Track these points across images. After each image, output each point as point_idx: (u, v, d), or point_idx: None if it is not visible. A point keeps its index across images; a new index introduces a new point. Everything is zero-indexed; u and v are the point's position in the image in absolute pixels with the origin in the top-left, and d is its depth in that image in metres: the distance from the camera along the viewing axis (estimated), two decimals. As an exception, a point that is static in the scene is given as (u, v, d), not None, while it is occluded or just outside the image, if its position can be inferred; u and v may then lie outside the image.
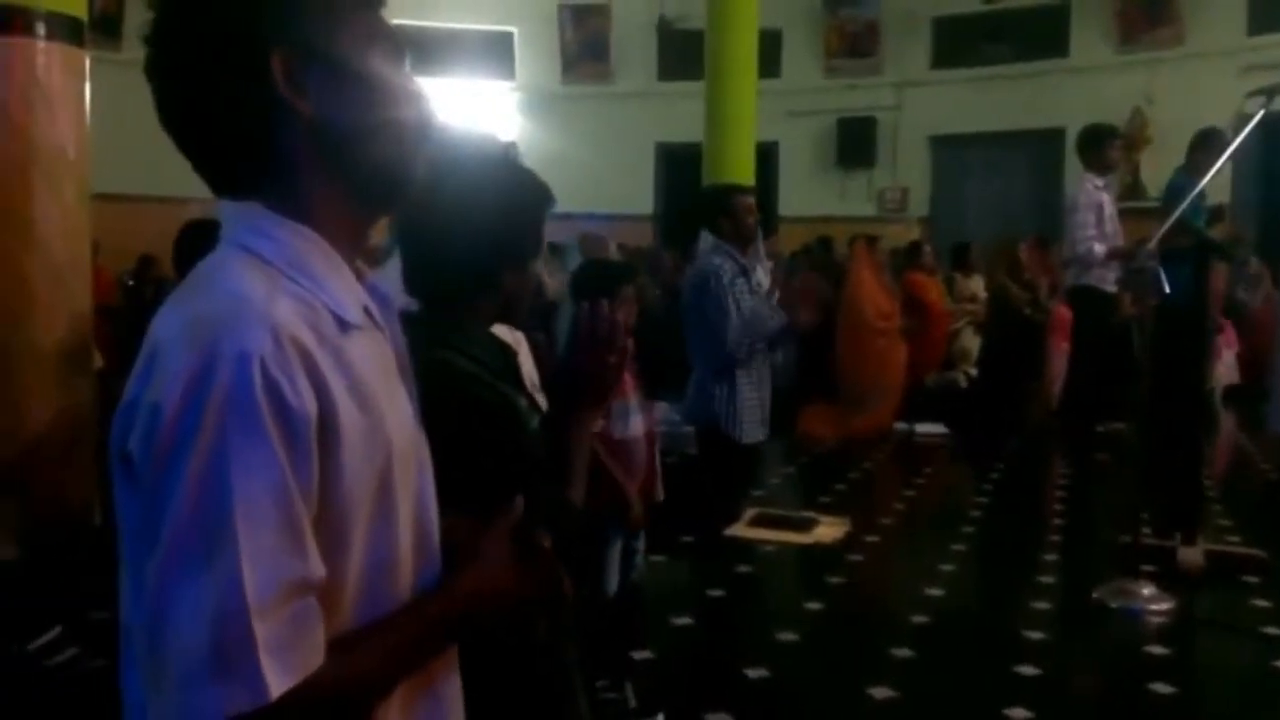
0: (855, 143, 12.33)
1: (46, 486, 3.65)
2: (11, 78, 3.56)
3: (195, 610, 0.84)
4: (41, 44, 3.63)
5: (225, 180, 1.01)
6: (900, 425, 8.21)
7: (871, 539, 5.31)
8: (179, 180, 1.11)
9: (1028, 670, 3.66)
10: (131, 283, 8.97)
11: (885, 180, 12.47)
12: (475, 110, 11.79)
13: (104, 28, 8.98)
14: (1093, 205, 5.71)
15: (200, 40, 0.96)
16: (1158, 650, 3.89)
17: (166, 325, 0.91)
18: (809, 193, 12.35)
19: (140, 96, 1.00)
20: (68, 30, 3.72)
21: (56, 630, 3.47)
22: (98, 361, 4.26)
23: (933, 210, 12.40)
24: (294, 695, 0.86)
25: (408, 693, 1.03)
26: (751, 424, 4.03)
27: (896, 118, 12.33)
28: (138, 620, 0.89)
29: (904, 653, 3.83)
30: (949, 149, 12.28)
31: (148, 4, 0.98)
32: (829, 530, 5.23)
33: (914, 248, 9.35)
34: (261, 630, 0.85)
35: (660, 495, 3.37)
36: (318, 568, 0.90)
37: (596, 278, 3.22)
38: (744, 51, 8.84)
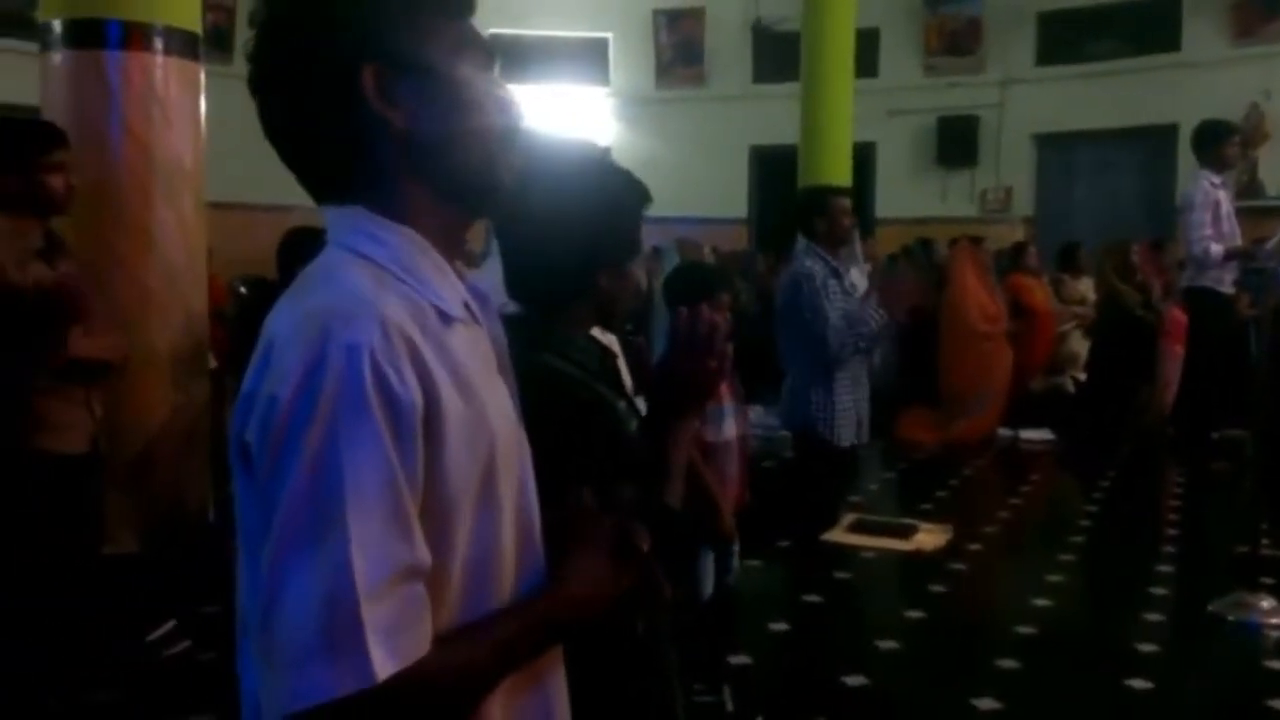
0: (957, 142, 12.07)
1: (163, 484, 3.79)
2: (131, 91, 3.71)
3: (306, 592, 0.87)
4: (159, 58, 3.77)
5: (325, 188, 1.04)
6: (1004, 431, 8.00)
7: (974, 547, 5.18)
8: (286, 189, 1.15)
9: (1139, 684, 3.53)
10: (244, 290, 9.27)
11: (988, 180, 12.17)
12: (571, 116, 11.89)
13: (216, 42, 9.31)
14: (1209, 204, 5.49)
15: (295, 57, 0.99)
16: (1276, 665, 3.73)
17: (281, 321, 0.95)
18: (908, 194, 12.14)
19: (249, 108, 1.04)
20: (184, 45, 3.86)
21: (171, 623, 3.61)
22: (211, 363, 4.42)
23: (1038, 210, 12.06)
24: (400, 680, 0.88)
25: (514, 687, 1.04)
26: (848, 428, 3.98)
27: (1000, 116, 12.03)
28: (252, 606, 0.92)
29: (1009, 663, 3.73)
30: (1055, 147, 11.94)
31: (249, 22, 1.02)
32: (930, 537, 5.12)
33: (1018, 249, 9.11)
34: (370, 614, 0.87)
35: (747, 500, 3.34)
36: (424, 555, 0.92)
37: (691, 283, 3.20)
38: (841, 52, 8.74)
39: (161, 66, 3.77)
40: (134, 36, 3.71)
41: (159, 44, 3.76)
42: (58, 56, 3.73)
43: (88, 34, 3.70)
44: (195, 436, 3.93)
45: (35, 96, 3.85)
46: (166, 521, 3.78)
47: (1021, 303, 8.32)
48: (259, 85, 1.02)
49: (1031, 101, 11.78)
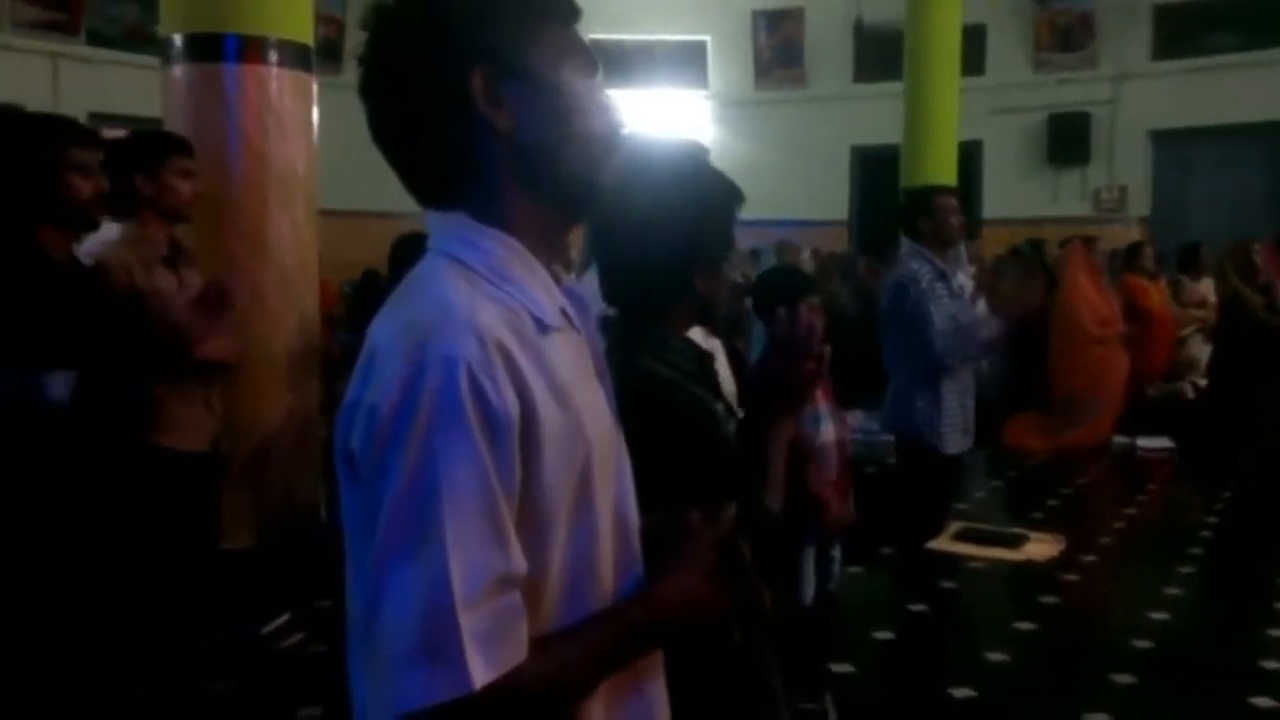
0: (1068, 140, 11.71)
1: (278, 481, 3.91)
2: (248, 103, 3.84)
3: (406, 600, 0.88)
4: (274, 70, 3.89)
5: (430, 192, 1.06)
6: (1119, 439, 7.72)
7: (1088, 558, 5.01)
8: (395, 196, 1.18)
9: (1264, 702, 3.37)
10: (349, 291, 9.54)
11: (1101, 178, 11.78)
12: (669, 120, 11.92)
13: (327, 53, 9.57)
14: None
15: (404, 61, 1.01)
16: None
17: (382, 331, 0.97)
18: (1016, 193, 11.82)
19: (358, 118, 1.07)
20: (297, 57, 3.98)
21: (286, 616, 3.72)
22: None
23: (1154, 210, 11.62)
24: (497, 687, 0.89)
25: (614, 691, 1.04)
26: (954, 434, 3.88)
27: (1113, 112, 11.63)
28: (358, 608, 0.94)
29: (1125, 678, 3.60)
30: (1172, 144, 11.49)
31: (361, 27, 1.04)
32: (1041, 547, 4.93)
33: (1133, 249, 8.77)
34: (467, 622, 0.88)
35: (850, 505, 3.29)
36: (521, 563, 0.93)
37: (778, 287, 3.15)
38: (946, 49, 8.57)
39: (276, 78, 3.89)
40: (250, 50, 3.84)
41: (273, 57, 3.88)
42: (178, 70, 3.88)
43: (206, 48, 3.84)
44: (308, 436, 4.04)
45: (157, 109, 4.01)
46: (280, 518, 3.89)
47: (1136, 305, 8.02)
48: (369, 89, 1.04)
49: (1147, 97, 11.37)
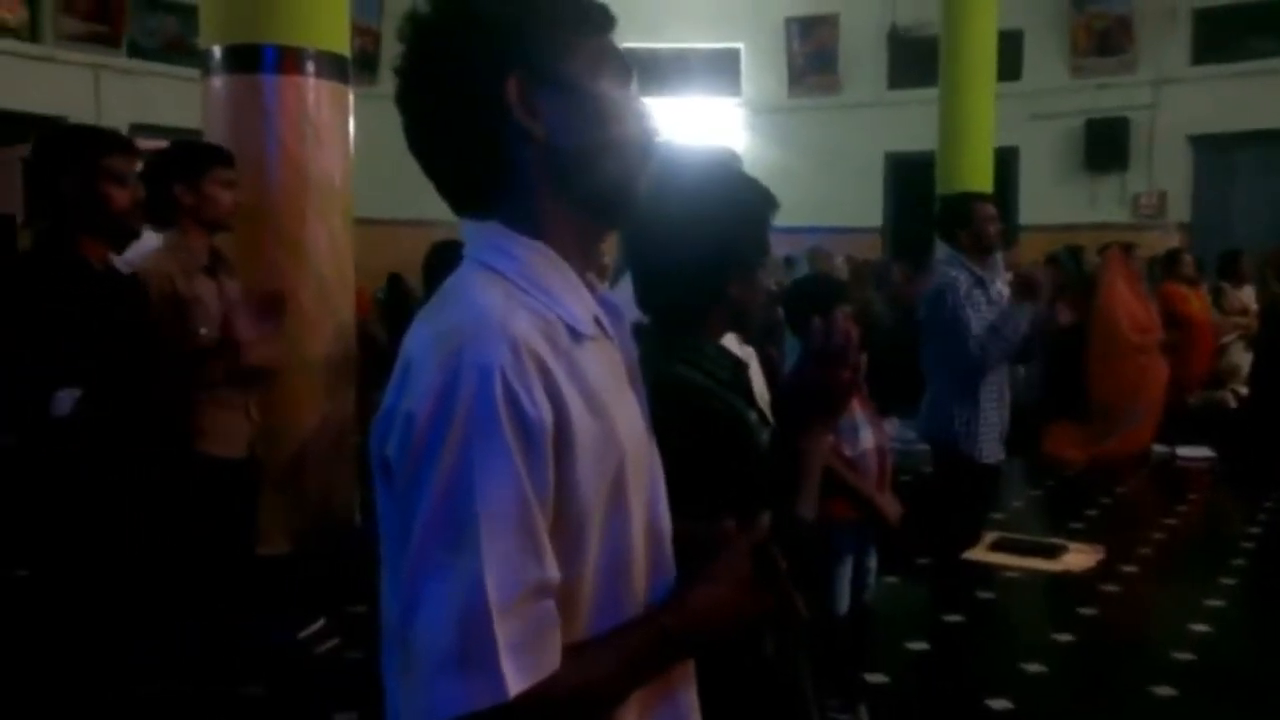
0: (1106, 145, 11.58)
1: (314, 488, 3.94)
2: (286, 113, 3.89)
3: (441, 608, 0.89)
4: (311, 81, 3.94)
5: (466, 200, 1.07)
6: (1159, 448, 7.60)
7: (1128, 569, 4.94)
8: (429, 204, 1.19)
9: (1312, 720, 3.30)
10: (382, 296, 9.61)
11: (1140, 184, 11.63)
12: (702, 127, 11.91)
13: (363, 64, 9.69)
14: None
15: (440, 71, 1.02)
16: None
17: (418, 339, 0.97)
18: (1053, 199, 11.70)
19: (393, 127, 1.08)
20: (334, 68, 4.02)
21: (321, 622, 3.75)
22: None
23: (1194, 216, 11.45)
24: (531, 696, 0.89)
25: (647, 699, 1.04)
26: (990, 442, 3.84)
27: (1152, 117, 11.49)
28: (393, 614, 0.95)
29: (1166, 691, 3.54)
30: (1212, 149, 11.32)
31: (398, 37, 1.05)
32: (1079, 558, 4.88)
33: (1173, 256, 8.65)
34: (502, 630, 0.88)
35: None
36: (555, 571, 0.93)
37: (809, 295, 3.14)
38: (982, 55, 8.52)
39: (314, 89, 3.94)
40: (288, 61, 3.89)
41: (311, 68, 3.93)
42: (218, 81, 3.94)
43: (245, 59, 3.89)
44: (343, 442, 4.07)
45: (197, 120, 4.07)
46: (316, 524, 3.92)
47: (1176, 312, 7.91)
48: (405, 98, 1.05)
49: (1187, 102, 11.22)
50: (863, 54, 12.61)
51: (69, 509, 2.39)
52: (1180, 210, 11.49)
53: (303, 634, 3.71)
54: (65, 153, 2.49)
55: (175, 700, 2.87)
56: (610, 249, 3.18)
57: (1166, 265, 8.52)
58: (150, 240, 3.08)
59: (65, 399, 2.30)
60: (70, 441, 2.34)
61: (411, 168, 1.08)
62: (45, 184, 2.46)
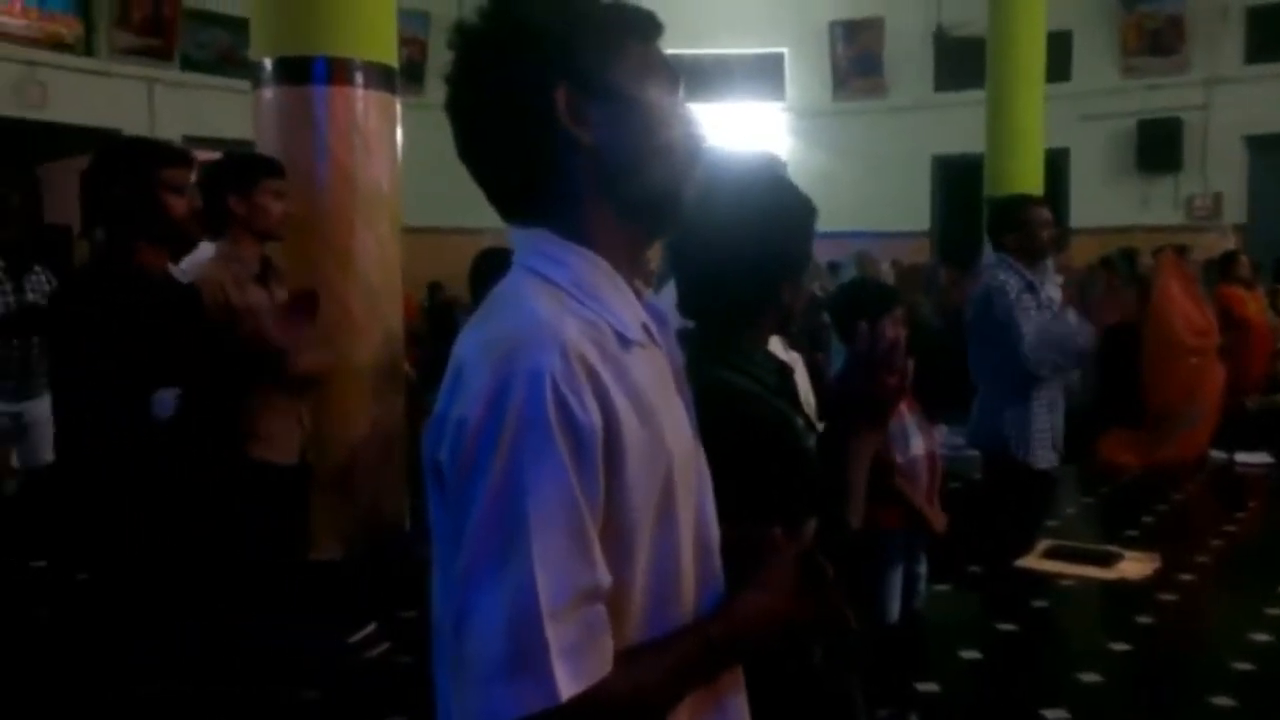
0: (1158, 146, 11.39)
1: (364, 493, 3.98)
2: (336, 124, 3.93)
3: (493, 612, 0.89)
4: (360, 92, 3.99)
5: (515, 208, 1.07)
6: (1216, 453, 7.44)
7: (1185, 577, 4.84)
8: (473, 212, 1.19)
9: (1378, 732, 3.21)
10: (427, 305, 9.72)
11: (1194, 186, 11.43)
12: (746, 133, 11.88)
13: (410, 74, 9.79)
14: None
15: (490, 80, 1.03)
16: None
17: (469, 345, 0.98)
18: (1105, 202, 11.53)
19: (439, 137, 1.09)
20: (382, 78, 4.07)
21: (372, 626, 3.78)
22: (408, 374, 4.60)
23: (1250, 217, 11.23)
24: (583, 700, 0.89)
25: (695, 706, 1.04)
26: (1043, 449, 3.76)
27: (1206, 118, 11.29)
28: (445, 618, 0.95)
29: (1224, 701, 3.46)
30: (1269, 149, 11.09)
31: (448, 46, 1.06)
32: (1135, 566, 4.79)
33: (1229, 258, 8.49)
34: (554, 634, 0.89)
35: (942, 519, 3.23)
36: (605, 576, 0.93)
37: (859, 302, 3.11)
38: (1030, 56, 8.42)
39: (362, 99, 3.98)
40: (337, 72, 3.93)
41: (359, 78, 3.97)
42: (269, 93, 4.00)
43: (296, 71, 3.94)
44: (392, 448, 4.11)
45: (249, 131, 4.14)
46: (366, 529, 3.96)
47: (1233, 315, 7.74)
48: (455, 106, 1.06)
49: (1241, 102, 11.02)
50: (908, 56, 12.53)
51: (129, 515, 2.43)
52: (1235, 212, 11.27)
53: (354, 638, 3.74)
54: (124, 165, 2.54)
55: (229, 702, 2.91)
56: (653, 255, 3.18)
57: (1222, 267, 8.37)
58: (204, 250, 3.13)
59: (167, 399, 2.35)
60: (178, 440, 2.39)
61: (457, 177, 1.09)
62: (104, 195, 2.52)
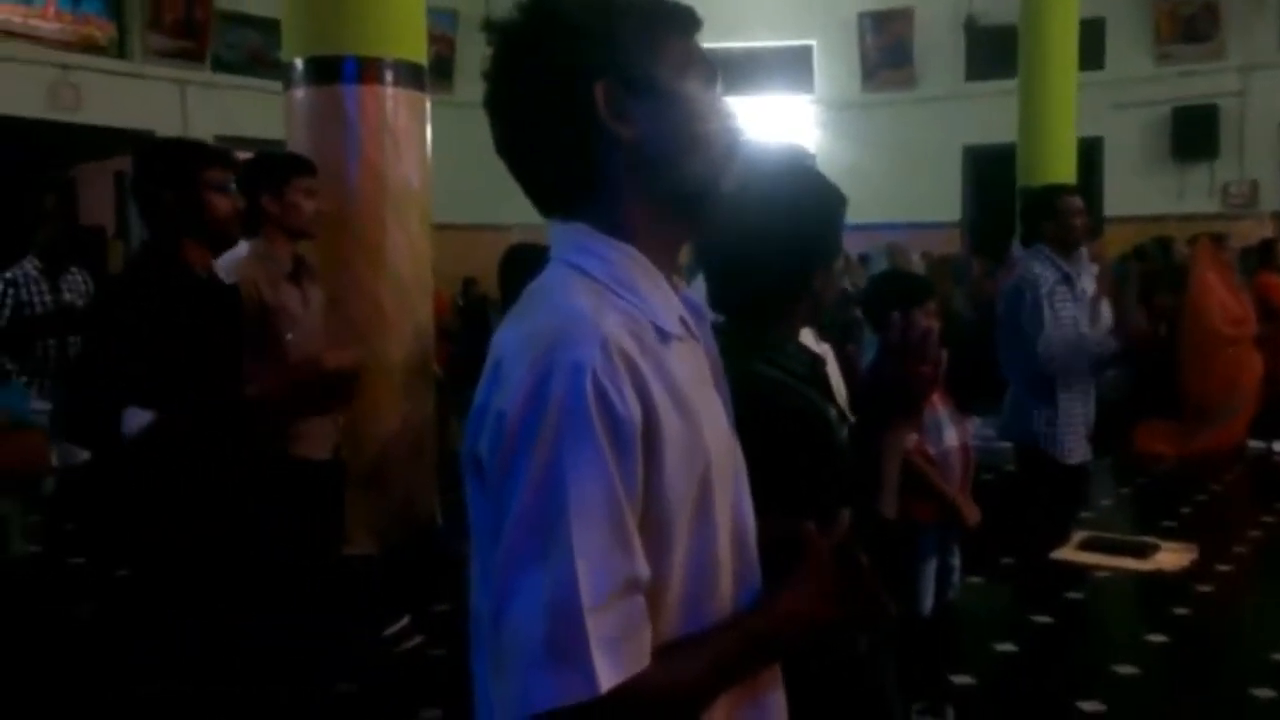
0: (1194, 134, 11.24)
1: (396, 488, 4.01)
2: (366, 122, 3.96)
3: (532, 602, 0.89)
4: (390, 90, 4.01)
5: (553, 203, 1.07)
6: (1255, 443, 7.35)
7: (1223, 568, 4.78)
8: (504, 209, 1.20)
9: None
10: (461, 303, 9.75)
11: (1230, 173, 11.27)
12: (776, 126, 11.83)
13: (439, 72, 9.83)
14: None
15: (529, 75, 1.03)
16: None
17: (508, 339, 0.98)
18: (1139, 190, 11.39)
19: (468, 134, 1.09)
20: (411, 77, 4.09)
21: (405, 620, 3.81)
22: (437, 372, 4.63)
23: (1288, 205, 11.07)
24: (622, 691, 0.90)
25: (732, 701, 1.04)
26: (1074, 442, 3.71)
27: (1242, 104, 11.12)
28: (485, 609, 0.96)
29: (1266, 693, 3.42)
30: (1306, 136, 10.92)
31: (487, 42, 1.06)
32: (1172, 557, 4.73)
33: (1266, 246, 8.37)
34: (594, 625, 0.89)
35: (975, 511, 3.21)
36: (645, 568, 0.94)
37: (892, 293, 3.08)
38: (1063, 44, 8.34)
39: (392, 98, 4.01)
40: (368, 71, 3.96)
41: (389, 77, 3.99)
42: (300, 93, 4.03)
43: (327, 71, 3.97)
44: (424, 443, 4.13)
45: (280, 131, 4.17)
46: (399, 524, 3.99)
47: (1271, 304, 7.64)
48: (494, 102, 1.06)
49: (1278, 88, 10.85)
50: (938, 46, 12.42)
51: (168, 511, 2.46)
52: (1272, 199, 11.10)
53: (388, 632, 3.77)
54: (168, 165, 2.57)
55: (267, 699, 2.94)
56: (684, 250, 3.18)
57: (1260, 255, 8.25)
58: (237, 249, 3.16)
59: (134, 419, 2.32)
60: (137, 461, 2.38)
61: (487, 173, 1.09)
62: (148, 196, 2.55)
